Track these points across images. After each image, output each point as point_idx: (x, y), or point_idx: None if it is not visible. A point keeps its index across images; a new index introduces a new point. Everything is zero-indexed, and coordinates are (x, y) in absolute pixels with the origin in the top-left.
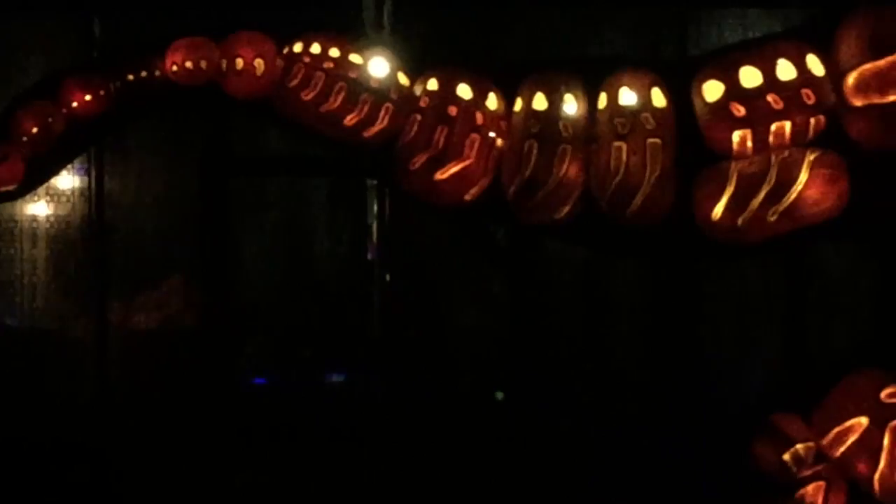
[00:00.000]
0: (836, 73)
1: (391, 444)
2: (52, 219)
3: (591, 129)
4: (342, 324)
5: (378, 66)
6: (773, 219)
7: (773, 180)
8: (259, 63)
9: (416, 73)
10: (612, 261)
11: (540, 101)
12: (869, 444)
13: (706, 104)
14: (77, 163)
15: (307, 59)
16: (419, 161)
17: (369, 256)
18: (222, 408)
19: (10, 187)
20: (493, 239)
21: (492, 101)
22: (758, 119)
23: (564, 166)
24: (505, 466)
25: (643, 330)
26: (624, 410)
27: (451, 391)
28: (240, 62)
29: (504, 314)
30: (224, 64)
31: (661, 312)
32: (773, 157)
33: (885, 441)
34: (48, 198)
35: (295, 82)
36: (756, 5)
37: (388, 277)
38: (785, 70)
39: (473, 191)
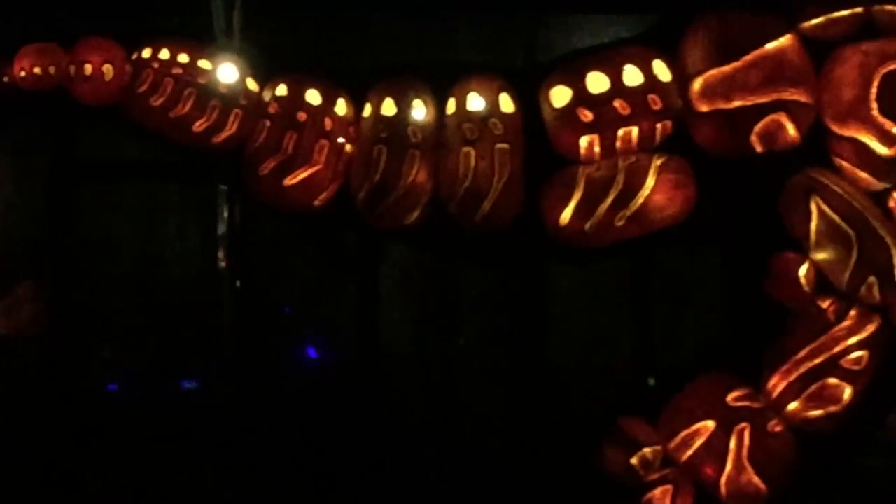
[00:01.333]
0: (682, 78)
1: (243, 448)
2: None
3: (440, 135)
4: (192, 330)
5: (227, 72)
6: (620, 223)
7: (620, 185)
8: (108, 69)
9: (266, 79)
10: (462, 266)
11: (389, 107)
12: (715, 448)
13: (554, 110)
14: None
15: (156, 65)
16: (268, 167)
17: (220, 263)
18: (73, 415)
19: None
20: (343, 245)
21: (341, 107)
22: (605, 124)
23: (413, 171)
24: (356, 469)
25: (492, 334)
26: (472, 413)
27: (301, 396)
28: (88, 68)
29: (354, 319)
30: (73, 70)
31: (510, 316)
32: (620, 163)
33: (732, 444)
34: None
35: (144, 88)
36: (603, 11)
37: (238, 284)
38: (632, 76)
39: (323, 196)
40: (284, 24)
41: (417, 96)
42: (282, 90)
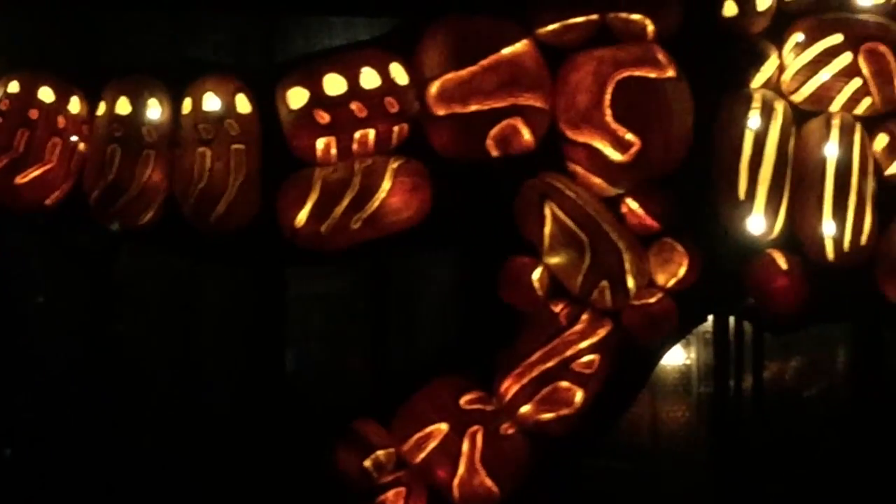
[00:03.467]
0: (419, 81)
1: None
2: None
3: (175, 135)
4: None
5: None
6: (356, 226)
7: (356, 188)
8: None
9: None
10: (202, 266)
11: (123, 106)
12: (448, 450)
13: (290, 111)
14: None
15: None
16: None
17: None
18: None
19: None
20: (76, 244)
21: (74, 105)
22: (341, 126)
23: (148, 171)
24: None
25: (231, 334)
26: (210, 415)
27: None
28: None
29: (86, 321)
30: None
31: (248, 319)
32: (356, 165)
33: (465, 447)
34: None
35: None
36: (342, 14)
37: None
38: (369, 78)
39: (55, 195)
40: (18, 19)
41: (153, 95)
42: (13, 87)
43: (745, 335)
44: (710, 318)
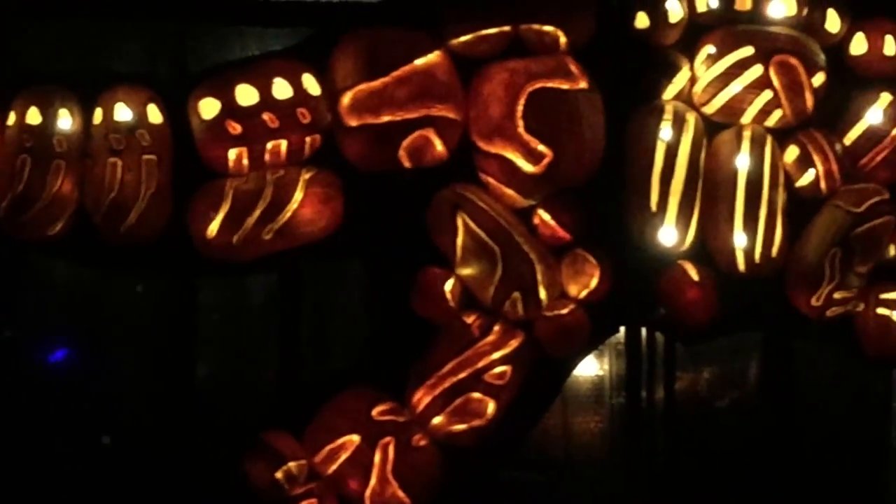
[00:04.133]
0: (332, 92)
1: None
2: None
3: (86, 145)
4: None
5: None
6: (268, 237)
7: (268, 198)
8: None
9: None
10: (115, 276)
11: (34, 116)
12: (360, 461)
13: (202, 121)
14: None
15: None
16: None
17: None
18: None
19: None
20: None
21: None
22: (254, 137)
23: (58, 182)
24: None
25: (140, 348)
26: (121, 426)
27: None
28: None
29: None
30: None
31: (158, 330)
32: (268, 176)
33: (376, 458)
34: None
35: None
36: (256, 24)
37: None
38: (281, 89)
39: None
40: None
41: (63, 105)
42: None
43: (657, 346)
44: (623, 328)
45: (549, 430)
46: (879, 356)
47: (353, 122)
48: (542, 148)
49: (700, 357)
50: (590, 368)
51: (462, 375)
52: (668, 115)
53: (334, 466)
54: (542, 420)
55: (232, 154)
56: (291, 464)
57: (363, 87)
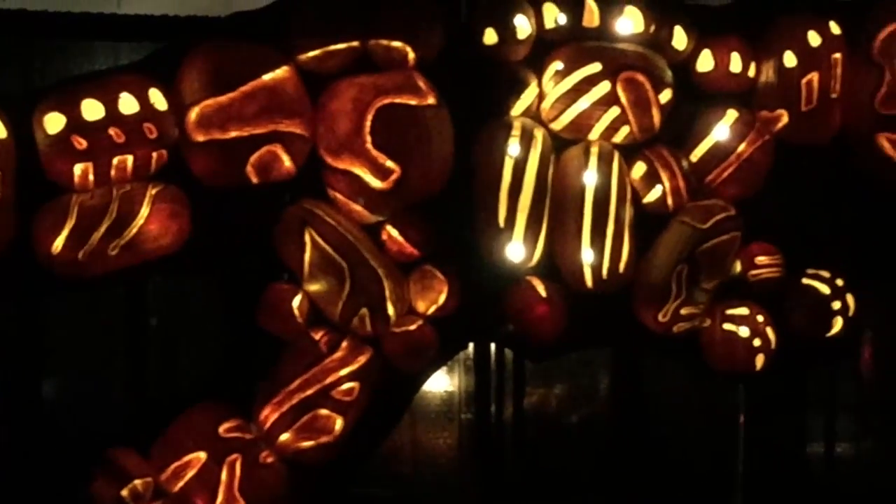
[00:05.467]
0: (179, 107)
1: None
2: None
3: None
4: None
5: None
6: (114, 252)
7: (114, 214)
8: None
9: None
10: None
11: None
12: (207, 479)
13: (47, 136)
14: None
15: None
16: None
17: None
18: None
19: None
20: None
21: None
22: (100, 152)
23: None
24: None
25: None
26: None
27: None
28: None
29: None
30: None
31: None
32: (115, 191)
33: (223, 476)
34: None
35: None
36: (103, 39)
37: None
38: (127, 104)
39: None
40: None
41: None
42: None
43: (506, 362)
44: (472, 344)
45: (398, 446)
46: (726, 371)
47: (201, 138)
48: (389, 164)
49: (550, 373)
50: (439, 384)
51: (310, 392)
52: (516, 131)
53: (181, 484)
54: (391, 436)
55: (77, 169)
56: (137, 481)
57: (210, 102)
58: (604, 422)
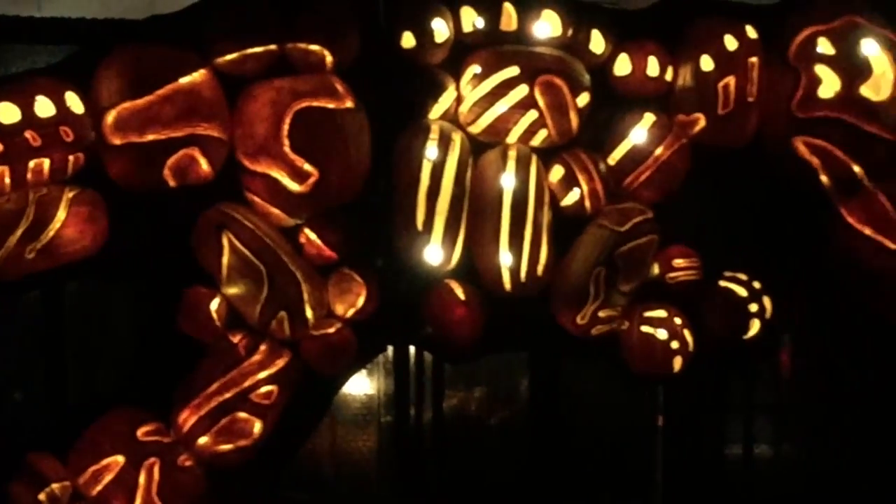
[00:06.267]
0: (95, 111)
1: None
2: None
3: None
4: None
5: None
6: (31, 256)
7: (30, 217)
8: None
9: None
10: None
11: None
12: (125, 483)
13: None
14: None
15: None
16: None
17: None
18: None
19: None
20: None
21: None
22: (16, 156)
23: None
24: None
25: None
26: None
27: None
28: None
29: None
30: None
31: None
32: (31, 195)
33: (141, 479)
34: None
35: None
36: (19, 41)
37: None
38: (43, 107)
39: None
40: None
41: None
42: None
43: (425, 365)
44: (391, 347)
45: (318, 449)
46: (645, 373)
47: (118, 141)
48: (307, 167)
49: (470, 375)
50: (359, 387)
51: (228, 395)
52: (433, 135)
53: (99, 488)
54: (311, 439)
55: None
56: (55, 485)
57: (127, 105)
58: (523, 424)
